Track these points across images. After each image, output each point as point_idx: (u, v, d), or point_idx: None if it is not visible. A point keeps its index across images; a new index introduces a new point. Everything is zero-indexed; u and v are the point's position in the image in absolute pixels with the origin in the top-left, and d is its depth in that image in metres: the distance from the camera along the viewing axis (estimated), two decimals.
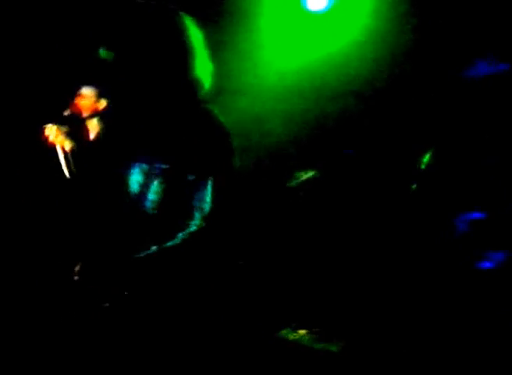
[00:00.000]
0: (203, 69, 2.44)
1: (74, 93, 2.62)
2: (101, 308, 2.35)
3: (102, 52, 2.36)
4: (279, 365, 3.58)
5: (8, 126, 3.51)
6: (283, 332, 3.88)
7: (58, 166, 2.53)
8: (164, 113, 2.42)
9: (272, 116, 4.44)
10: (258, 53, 4.34)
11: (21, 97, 3.56)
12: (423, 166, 4.07)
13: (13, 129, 3.42)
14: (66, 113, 2.56)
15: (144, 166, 2.42)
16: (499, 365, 3.46)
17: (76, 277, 2.35)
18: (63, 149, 2.53)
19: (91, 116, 2.58)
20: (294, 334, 3.89)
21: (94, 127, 2.60)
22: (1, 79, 3.60)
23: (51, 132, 2.53)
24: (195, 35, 2.43)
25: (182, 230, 2.38)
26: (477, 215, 3.90)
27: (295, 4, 4.33)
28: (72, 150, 2.52)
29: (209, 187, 2.38)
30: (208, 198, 2.38)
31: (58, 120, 2.53)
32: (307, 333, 3.91)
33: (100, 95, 2.57)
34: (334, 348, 3.75)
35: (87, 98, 2.61)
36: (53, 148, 2.54)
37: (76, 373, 2.43)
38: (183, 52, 2.40)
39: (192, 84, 2.42)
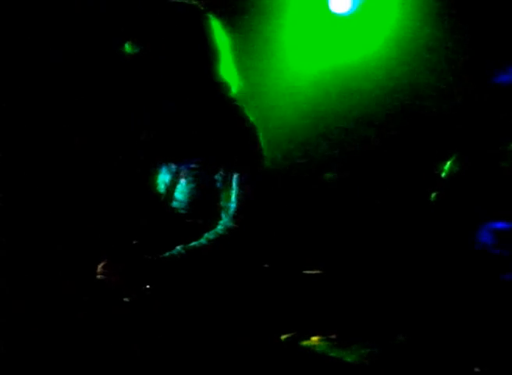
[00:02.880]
0: (228, 71, 2.42)
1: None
2: (121, 304, 2.33)
3: (128, 46, 2.36)
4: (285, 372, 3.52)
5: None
6: (295, 338, 3.82)
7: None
8: (190, 112, 2.39)
9: (297, 116, 4.39)
10: (280, 56, 4.29)
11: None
12: (444, 174, 4.02)
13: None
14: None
15: (172, 165, 2.40)
16: None
17: (99, 275, 2.33)
18: None
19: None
20: (307, 341, 3.83)
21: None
22: None
23: None
24: (221, 38, 2.42)
25: (209, 230, 2.35)
26: (501, 225, 3.84)
27: (320, 6, 4.28)
28: None
29: (234, 185, 2.33)
30: (233, 197, 2.33)
31: None
32: (321, 339, 3.85)
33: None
34: (349, 358, 3.69)
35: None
36: None
37: (91, 368, 2.42)
38: (208, 53, 2.38)
39: (217, 86, 2.40)
